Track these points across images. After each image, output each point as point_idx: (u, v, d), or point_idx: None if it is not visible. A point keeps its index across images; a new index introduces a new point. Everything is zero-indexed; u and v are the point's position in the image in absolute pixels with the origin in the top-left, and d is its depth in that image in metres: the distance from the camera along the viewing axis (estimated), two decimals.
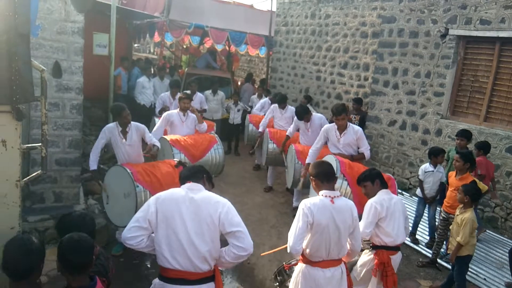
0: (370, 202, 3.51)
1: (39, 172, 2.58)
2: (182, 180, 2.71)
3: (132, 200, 4.09)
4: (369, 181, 3.62)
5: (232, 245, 2.51)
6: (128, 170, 4.17)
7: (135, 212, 4.01)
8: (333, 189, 3.02)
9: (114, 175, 4.40)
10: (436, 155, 5.52)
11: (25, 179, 2.45)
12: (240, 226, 2.52)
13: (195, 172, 2.73)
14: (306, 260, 2.98)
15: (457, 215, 4.37)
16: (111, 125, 4.63)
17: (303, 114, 6.27)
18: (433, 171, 5.52)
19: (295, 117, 6.52)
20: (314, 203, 2.88)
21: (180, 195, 2.54)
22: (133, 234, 2.46)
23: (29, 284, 2.07)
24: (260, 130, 7.45)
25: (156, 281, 2.57)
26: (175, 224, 2.45)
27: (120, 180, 4.27)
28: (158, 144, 4.83)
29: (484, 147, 5.69)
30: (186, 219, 2.46)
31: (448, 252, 4.60)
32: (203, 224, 2.47)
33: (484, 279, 4.90)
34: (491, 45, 6.57)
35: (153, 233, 2.54)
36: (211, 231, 2.49)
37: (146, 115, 8.33)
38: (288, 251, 2.90)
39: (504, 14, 6.21)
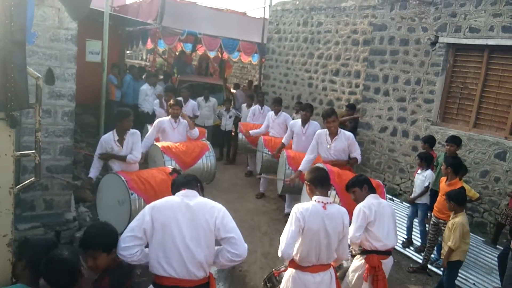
0: (359, 206, 3.56)
1: (32, 179, 2.57)
2: (177, 188, 2.71)
3: (127, 208, 4.08)
4: (357, 187, 3.67)
5: (226, 250, 2.53)
6: (123, 178, 4.17)
7: (129, 220, 4.01)
8: (326, 195, 3.05)
9: (108, 182, 4.39)
10: (420, 159, 5.69)
11: (18, 186, 2.45)
12: (234, 232, 2.54)
13: (190, 180, 2.75)
14: (296, 265, 3.00)
15: (450, 220, 4.43)
16: (107, 135, 4.62)
17: (309, 107, 6.48)
18: (419, 173, 5.64)
19: (290, 123, 6.56)
20: (306, 208, 2.91)
21: (175, 202, 2.55)
22: (127, 244, 2.44)
23: None
24: (250, 134, 7.40)
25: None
26: (171, 231, 2.45)
27: (114, 187, 4.26)
28: (135, 157, 4.59)
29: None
30: (182, 225, 2.47)
31: (441, 257, 4.65)
32: (199, 230, 2.49)
33: (474, 284, 4.95)
34: (480, 52, 6.70)
35: (147, 246, 2.53)
36: (207, 236, 2.51)
37: (149, 122, 8.35)
38: (280, 255, 2.91)
39: (493, 22, 6.34)
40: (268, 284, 3.45)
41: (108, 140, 4.56)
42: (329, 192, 4.47)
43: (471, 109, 6.85)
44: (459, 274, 4.62)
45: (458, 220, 4.26)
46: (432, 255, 5.30)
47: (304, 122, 6.37)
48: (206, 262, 2.52)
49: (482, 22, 6.50)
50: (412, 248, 5.73)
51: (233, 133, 9.64)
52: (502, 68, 6.44)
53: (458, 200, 4.34)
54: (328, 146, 5.28)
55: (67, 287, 2.20)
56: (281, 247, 2.88)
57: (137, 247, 2.47)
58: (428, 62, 7.34)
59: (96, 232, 2.43)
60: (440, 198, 5.02)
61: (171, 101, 6.02)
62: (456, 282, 4.54)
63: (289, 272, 3.06)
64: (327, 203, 2.97)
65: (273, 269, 3.48)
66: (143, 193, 4.16)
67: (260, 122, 8.22)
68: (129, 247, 2.44)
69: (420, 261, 5.33)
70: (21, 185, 2.55)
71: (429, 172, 5.59)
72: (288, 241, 2.85)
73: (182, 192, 2.63)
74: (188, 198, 2.58)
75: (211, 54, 14.45)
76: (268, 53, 12.37)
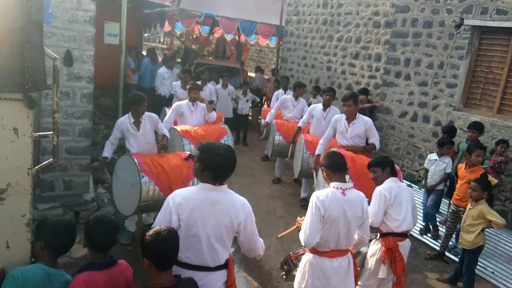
0: (379, 189, 3.53)
1: (50, 160, 2.60)
2: (216, 179, 2.46)
3: (137, 190, 4.09)
4: (379, 167, 3.64)
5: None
6: (135, 160, 4.18)
7: (139, 202, 4.03)
8: (344, 180, 2.99)
9: (123, 164, 4.42)
10: (441, 145, 5.54)
11: (36, 167, 2.47)
12: (249, 238, 2.53)
13: (226, 175, 2.50)
14: (314, 250, 2.97)
15: (470, 209, 4.34)
16: (123, 118, 4.66)
17: (332, 90, 6.38)
18: (436, 159, 5.52)
19: (310, 107, 6.48)
20: (325, 195, 2.85)
21: (201, 199, 2.39)
22: None
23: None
24: (266, 120, 7.32)
25: None
26: (196, 229, 2.36)
27: (127, 169, 4.29)
28: (167, 134, 4.85)
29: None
30: (207, 225, 2.38)
31: (459, 246, 4.58)
32: (223, 228, 2.41)
33: (492, 272, 4.87)
34: (506, 35, 6.44)
35: None
36: (230, 234, 2.47)
37: (166, 105, 8.35)
38: (303, 244, 2.88)
39: None
40: (284, 267, 3.44)
41: (124, 122, 4.59)
42: None
43: (495, 94, 6.63)
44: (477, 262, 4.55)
45: (483, 206, 4.24)
46: (450, 243, 5.22)
47: (326, 106, 6.26)
48: (225, 256, 2.50)
49: (510, 4, 6.22)
50: (429, 235, 5.66)
51: (250, 118, 9.58)
52: None
53: (490, 189, 4.36)
54: (346, 130, 5.19)
55: (109, 247, 2.32)
56: (305, 236, 2.82)
57: None
58: (452, 45, 7.10)
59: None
60: (462, 185, 4.91)
61: (190, 85, 5.99)
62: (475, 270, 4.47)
63: (307, 257, 3.04)
64: (346, 188, 2.91)
65: (290, 252, 3.47)
66: (154, 177, 4.14)
67: None
68: None
69: (438, 248, 5.26)
70: (39, 165, 2.57)
71: (449, 158, 5.49)
72: (311, 230, 2.80)
73: (210, 186, 2.43)
74: (217, 194, 2.43)
75: (228, 37, 14.33)
76: (286, 35, 12.18)
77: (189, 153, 4.73)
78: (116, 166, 4.55)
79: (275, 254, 4.77)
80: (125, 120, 4.61)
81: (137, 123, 4.59)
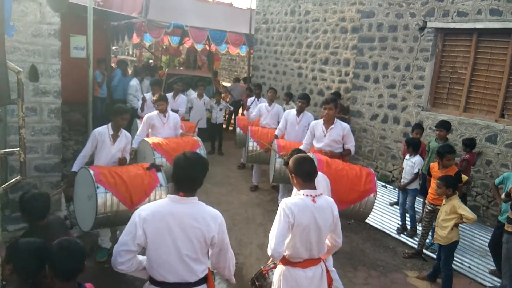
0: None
1: (18, 178, 2.49)
2: (178, 187, 2.40)
3: (94, 202, 3.94)
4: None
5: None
6: (91, 171, 4.04)
7: (96, 214, 3.92)
8: (314, 187, 2.87)
9: (80, 178, 4.27)
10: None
11: (3, 185, 2.37)
12: (223, 254, 2.55)
13: (194, 185, 2.44)
14: (286, 261, 2.86)
15: (444, 204, 4.45)
16: (102, 128, 4.50)
17: (306, 98, 6.51)
18: (407, 159, 5.71)
19: (285, 113, 6.61)
20: (295, 202, 2.75)
21: (168, 212, 2.31)
22: (124, 259, 2.31)
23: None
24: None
25: (146, 285, 2.46)
26: (165, 244, 2.30)
27: (84, 182, 4.14)
28: (128, 158, 4.74)
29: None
30: (177, 238, 2.31)
31: (434, 242, 4.67)
32: (195, 242, 2.34)
33: (469, 267, 4.99)
34: (468, 36, 6.69)
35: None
36: (203, 248, 2.40)
37: (138, 117, 8.23)
38: (270, 254, 2.74)
39: (481, 6, 6.32)
40: (256, 283, 3.22)
41: (103, 133, 4.46)
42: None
43: (461, 93, 6.86)
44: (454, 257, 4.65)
45: (455, 201, 4.36)
46: (427, 240, 5.32)
47: (299, 112, 6.34)
48: (202, 271, 2.43)
49: (470, 6, 6.48)
50: (406, 233, 5.76)
51: (224, 126, 9.58)
52: (490, 51, 6.44)
53: (455, 185, 4.43)
54: (324, 135, 5.22)
55: (76, 275, 2.11)
56: (271, 245, 2.70)
57: (133, 259, 2.36)
58: (417, 47, 7.32)
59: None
60: (435, 185, 5.02)
61: (156, 97, 5.94)
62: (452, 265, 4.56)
63: (280, 269, 2.92)
64: (316, 195, 2.80)
65: (262, 267, 3.26)
66: (112, 187, 3.99)
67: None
68: (126, 262, 2.33)
69: (415, 246, 5.35)
70: (6, 184, 2.46)
71: (417, 157, 5.62)
72: (278, 239, 2.67)
73: (178, 198, 2.36)
74: (185, 205, 2.36)
75: (199, 47, 14.29)
76: (256, 44, 12.26)
77: (151, 163, 4.64)
78: (75, 181, 4.38)
79: (256, 262, 4.73)
80: (103, 131, 4.47)
81: (115, 136, 4.49)
